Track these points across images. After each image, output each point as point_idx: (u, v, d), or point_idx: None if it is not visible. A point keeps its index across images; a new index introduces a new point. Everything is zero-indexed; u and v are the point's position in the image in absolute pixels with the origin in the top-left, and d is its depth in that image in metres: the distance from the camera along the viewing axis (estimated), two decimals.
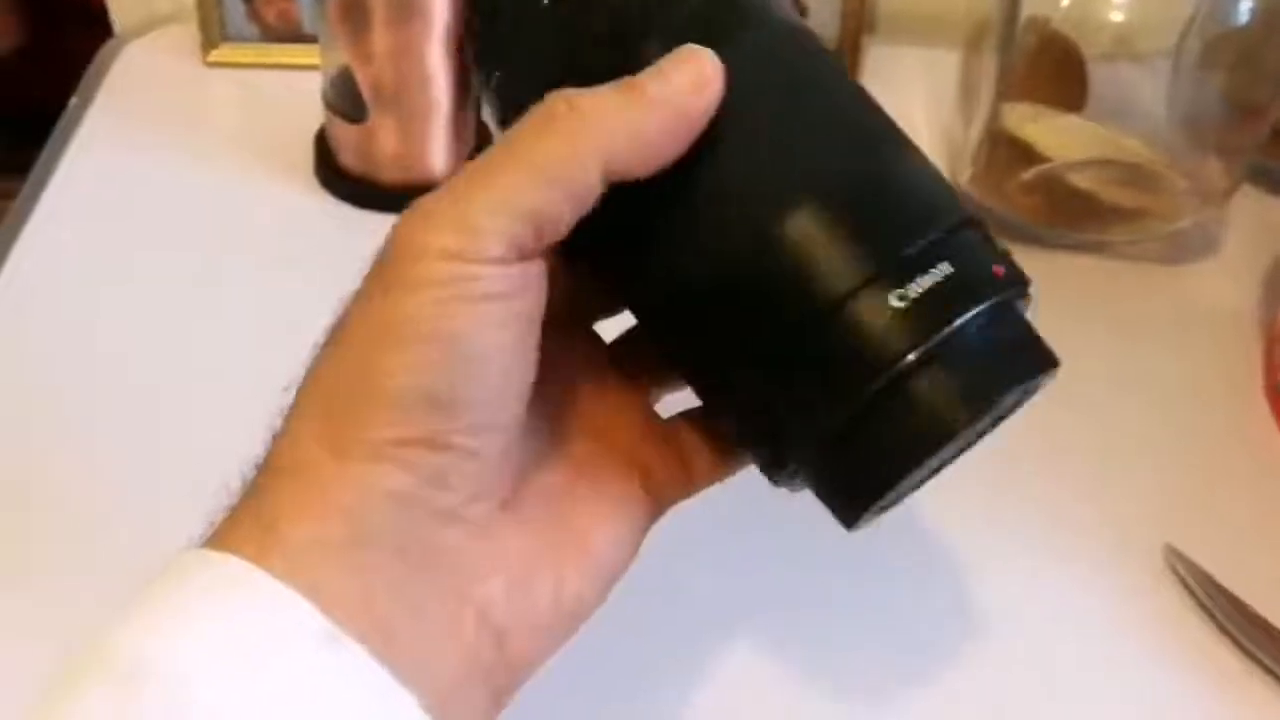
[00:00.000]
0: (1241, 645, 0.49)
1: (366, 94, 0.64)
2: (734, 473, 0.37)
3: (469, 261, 0.30)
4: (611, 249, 0.33)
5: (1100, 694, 0.48)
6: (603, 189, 0.31)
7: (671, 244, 0.32)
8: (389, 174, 0.67)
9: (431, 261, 0.30)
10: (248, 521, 0.30)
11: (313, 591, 0.28)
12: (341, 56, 0.64)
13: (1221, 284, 0.67)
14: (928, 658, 0.48)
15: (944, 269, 0.30)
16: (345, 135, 0.67)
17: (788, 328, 0.30)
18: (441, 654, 0.31)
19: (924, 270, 0.30)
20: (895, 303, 0.29)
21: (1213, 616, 0.50)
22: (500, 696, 0.32)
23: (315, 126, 0.69)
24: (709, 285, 0.31)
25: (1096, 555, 0.52)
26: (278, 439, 0.31)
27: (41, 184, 0.66)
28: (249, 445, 0.53)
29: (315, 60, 0.67)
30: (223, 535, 0.30)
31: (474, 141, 0.69)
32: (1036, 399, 0.59)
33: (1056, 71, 0.66)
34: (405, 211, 0.31)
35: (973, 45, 0.70)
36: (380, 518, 0.30)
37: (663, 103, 0.31)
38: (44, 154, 0.68)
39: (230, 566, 0.28)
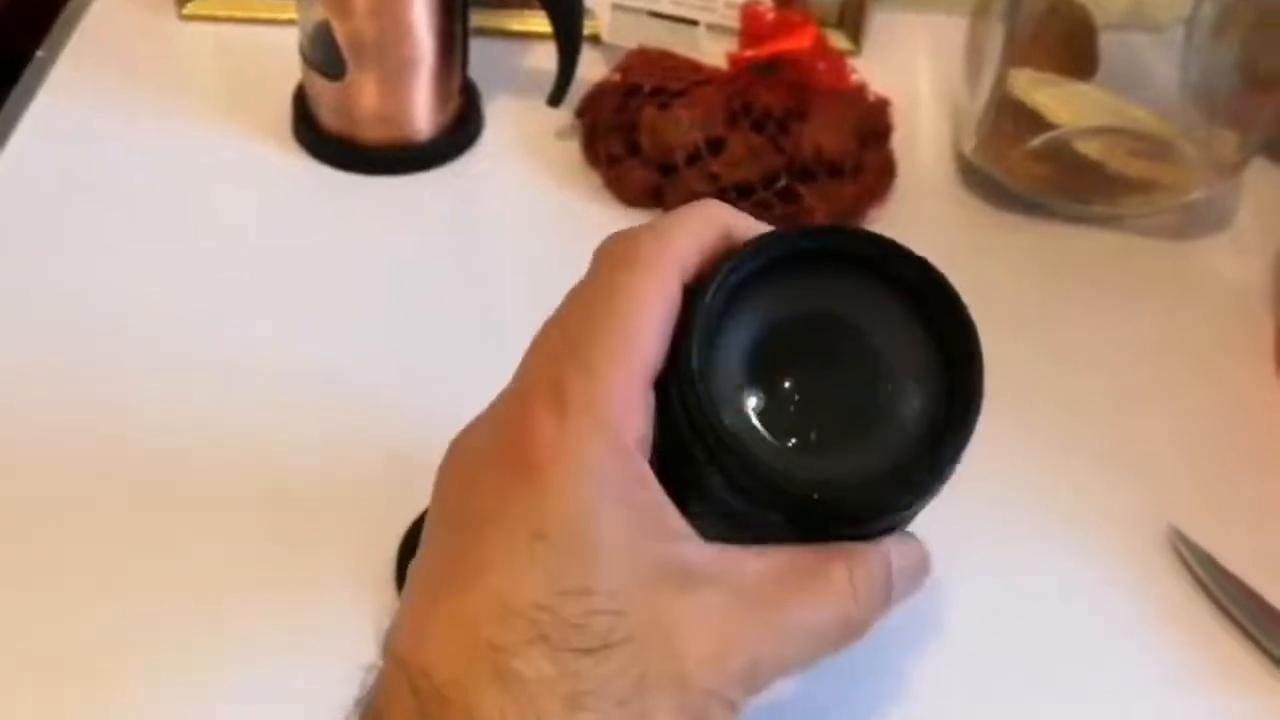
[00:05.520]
0: (1243, 627, 0.48)
1: (345, 49, 0.62)
2: None
3: None
4: None
5: (1101, 675, 0.47)
6: None
7: None
8: (369, 132, 0.64)
9: None
10: None
11: None
12: (319, 10, 0.61)
13: (1232, 260, 0.65)
14: (926, 636, 0.47)
15: None
16: (324, 92, 0.64)
17: None
18: None
19: None
20: None
21: (1215, 598, 0.49)
22: None
23: (293, 83, 0.67)
24: None
25: (1099, 535, 0.51)
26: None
27: (2, 139, 0.64)
28: (221, 404, 0.52)
29: (292, 14, 0.65)
30: None
31: (459, 99, 0.66)
32: (1041, 374, 0.58)
33: (1066, 38, 0.64)
34: None
35: (980, 10, 0.68)
36: None
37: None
38: (5, 108, 0.65)
39: None
